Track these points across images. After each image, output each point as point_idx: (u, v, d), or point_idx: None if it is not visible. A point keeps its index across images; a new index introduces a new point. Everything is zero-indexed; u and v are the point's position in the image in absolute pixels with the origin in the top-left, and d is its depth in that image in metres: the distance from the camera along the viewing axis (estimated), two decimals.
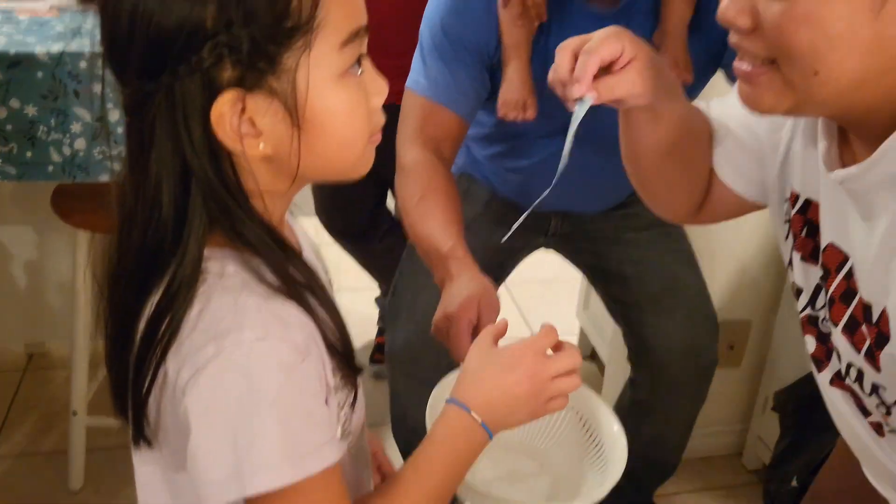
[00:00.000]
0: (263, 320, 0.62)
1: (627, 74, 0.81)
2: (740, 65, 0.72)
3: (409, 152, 1.15)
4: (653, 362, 1.43)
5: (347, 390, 0.72)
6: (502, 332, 0.83)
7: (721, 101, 0.95)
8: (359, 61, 0.67)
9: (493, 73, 1.19)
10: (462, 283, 1.04)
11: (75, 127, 1.38)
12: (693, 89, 1.24)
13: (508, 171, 1.40)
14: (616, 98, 0.82)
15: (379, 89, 0.70)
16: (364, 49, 0.68)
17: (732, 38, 0.71)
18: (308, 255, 0.78)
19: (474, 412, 0.74)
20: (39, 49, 1.36)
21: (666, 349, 1.40)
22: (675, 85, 0.88)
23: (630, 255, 1.43)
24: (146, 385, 0.65)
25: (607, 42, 0.80)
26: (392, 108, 1.39)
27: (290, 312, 0.64)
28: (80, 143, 1.39)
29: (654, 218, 1.45)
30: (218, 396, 0.61)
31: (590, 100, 0.82)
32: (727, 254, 1.77)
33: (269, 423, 0.61)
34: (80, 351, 1.64)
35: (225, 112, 0.62)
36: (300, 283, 0.67)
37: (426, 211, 1.10)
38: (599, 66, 0.80)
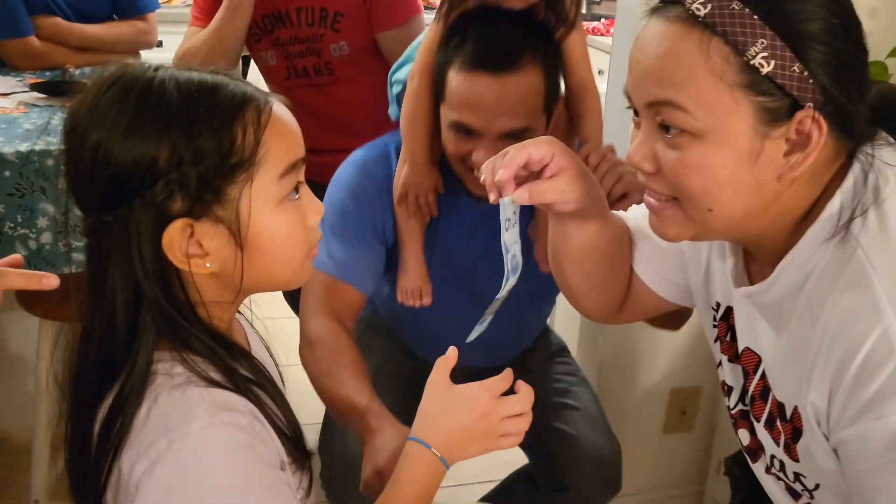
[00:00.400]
0: (208, 408, 0.68)
1: (558, 182, 0.88)
2: (649, 200, 0.81)
3: (314, 324, 1.20)
4: (562, 478, 1.42)
5: (300, 474, 0.78)
6: (453, 363, 0.88)
7: (642, 206, 1.03)
8: (296, 188, 0.75)
9: (390, 252, 1.28)
10: (386, 436, 1.07)
11: (41, 222, 1.42)
12: None
13: (410, 333, 1.45)
14: (546, 202, 0.89)
15: (316, 210, 0.78)
16: (301, 177, 0.76)
17: (640, 178, 0.80)
18: (258, 351, 0.84)
19: (434, 449, 0.81)
20: (7, 149, 1.41)
21: (575, 466, 1.40)
22: (602, 196, 0.96)
23: (536, 381, 1.44)
24: (101, 482, 0.70)
25: (538, 145, 0.88)
26: None
27: (232, 398, 0.71)
28: (45, 237, 1.44)
29: (549, 351, 1.50)
30: (174, 487, 0.66)
31: (510, 202, 0.87)
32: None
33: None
34: (42, 438, 1.65)
35: (175, 238, 0.69)
36: (247, 379, 0.73)
37: (338, 375, 1.14)
38: (526, 164, 0.87)
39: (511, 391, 0.87)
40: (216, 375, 0.71)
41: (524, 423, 0.85)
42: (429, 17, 1.84)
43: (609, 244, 0.98)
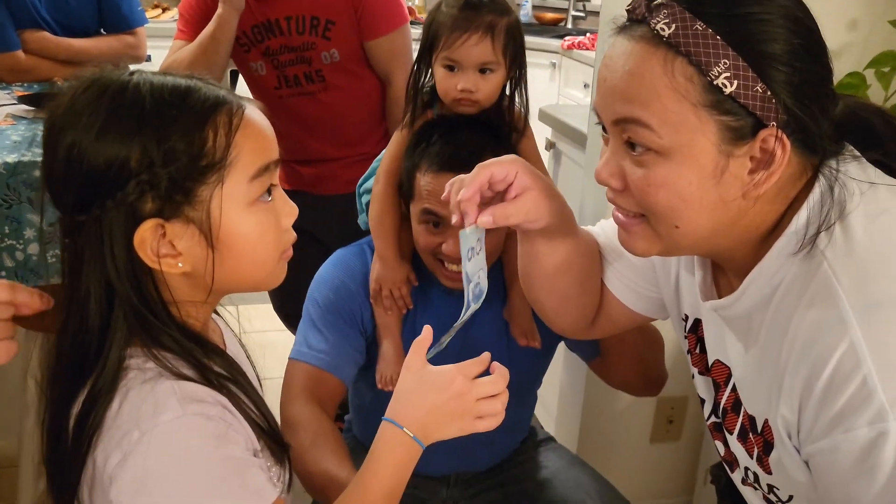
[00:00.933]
0: (179, 400, 0.69)
1: (522, 202, 0.89)
2: (617, 215, 0.82)
3: (295, 408, 1.23)
4: None
5: (279, 468, 0.79)
6: (429, 342, 0.89)
7: (611, 221, 1.03)
8: (269, 190, 0.76)
9: (370, 345, 1.32)
10: None
11: (29, 233, 1.42)
12: (542, 355, 1.37)
13: None
14: (511, 224, 0.91)
15: (289, 211, 0.79)
16: (275, 180, 0.77)
17: (608, 195, 0.81)
18: (234, 351, 0.86)
19: (406, 429, 0.82)
20: None
21: None
22: (570, 213, 0.97)
23: (529, 473, 1.45)
24: (77, 475, 0.71)
25: (500, 164, 0.90)
26: (347, 197, 1.48)
27: (201, 390, 0.72)
28: (33, 248, 1.43)
29: (536, 440, 1.50)
30: (147, 478, 0.67)
31: (472, 231, 0.88)
32: (665, 332, 1.86)
33: (201, 492, 0.68)
34: (28, 451, 1.64)
35: (146, 238, 0.70)
36: (221, 375, 0.75)
37: (319, 453, 1.15)
38: (490, 183, 0.89)
39: (487, 374, 0.87)
40: (187, 371, 0.72)
41: (499, 405, 0.86)
42: (413, 31, 1.87)
43: (580, 261, 0.99)
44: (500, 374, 0.86)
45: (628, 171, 0.77)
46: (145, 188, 0.69)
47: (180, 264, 0.72)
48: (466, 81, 1.21)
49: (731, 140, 0.73)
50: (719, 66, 0.71)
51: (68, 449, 0.72)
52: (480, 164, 0.89)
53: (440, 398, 0.83)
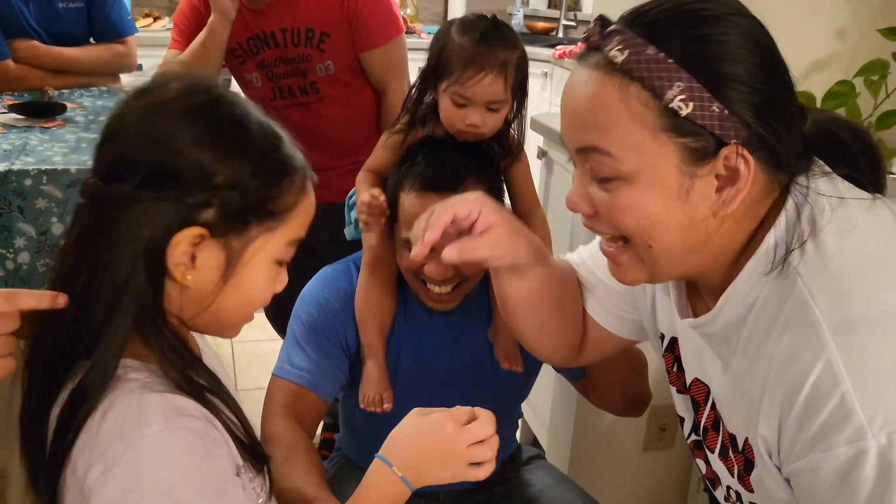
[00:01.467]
0: (164, 413, 0.69)
1: (488, 238, 0.90)
2: (604, 248, 0.83)
3: (274, 424, 1.23)
4: None
5: (260, 479, 0.79)
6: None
7: (589, 248, 1.05)
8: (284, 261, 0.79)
9: (353, 364, 1.32)
10: None
11: (19, 241, 1.41)
12: (526, 376, 1.37)
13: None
14: (477, 259, 0.91)
15: (283, 280, 0.82)
16: (292, 254, 0.80)
17: (583, 221, 0.82)
18: (211, 363, 0.86)
19: (395, 468, 0.84)
20: None
21: None
22: (539, 247, 0.97)
23: (516, 491, 1.46)
24: (56, 471, 0.70)
25: (463, 203, 0.90)
26: (342, 206, 1.48)
27: (188, 403, 0.72)
28: (23, 257, 1.43)
29: (523, 459, 1.49)
30: (129, 491, 0.67)
31: None
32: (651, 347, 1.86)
33: None
34: (18, 462, 1.63)
35: (184, 240, 0.71)
36: (202, 386, 0.75)
37: (290, 471, 1.15)
38: (454, 221, 0.89)
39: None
40: (178, 381, 0.73)
41: (489, 451, 0.86)
42: (407, 41, 1.88)
43: (554, 289, 1.00)
44: (487, 417, 0.87)
45: (595, 196, 0.77)
46: (216, 202, 0.71)
47: (189, 277, 0.73)
48: (475, 117, 1.22)
49: (694, 161, 0.73)
50: (673, 90, 0.71)
51: (49, 446, 0.71)
52: (442, 203, 0.90)
53: (430, 440, 0.84)
